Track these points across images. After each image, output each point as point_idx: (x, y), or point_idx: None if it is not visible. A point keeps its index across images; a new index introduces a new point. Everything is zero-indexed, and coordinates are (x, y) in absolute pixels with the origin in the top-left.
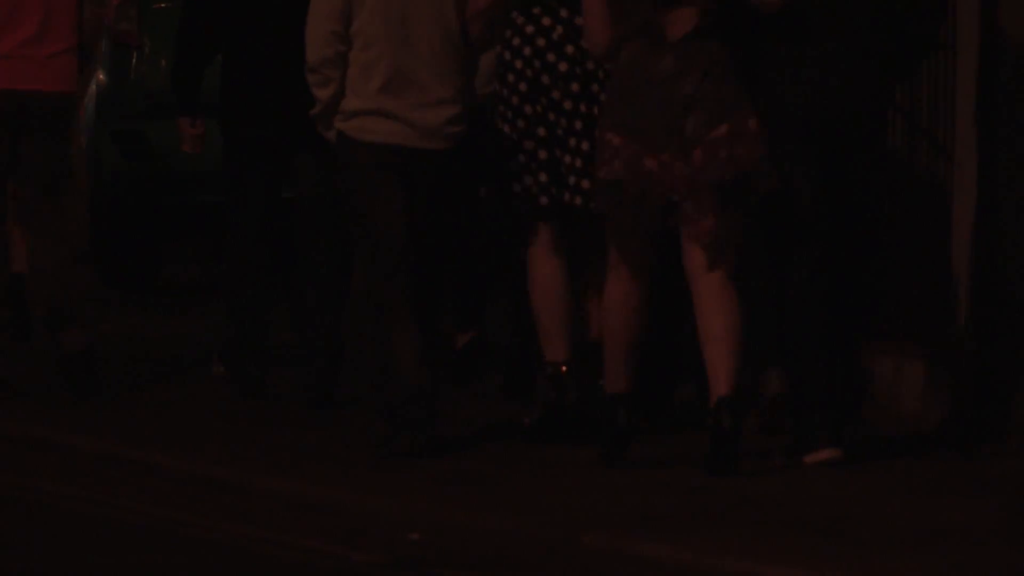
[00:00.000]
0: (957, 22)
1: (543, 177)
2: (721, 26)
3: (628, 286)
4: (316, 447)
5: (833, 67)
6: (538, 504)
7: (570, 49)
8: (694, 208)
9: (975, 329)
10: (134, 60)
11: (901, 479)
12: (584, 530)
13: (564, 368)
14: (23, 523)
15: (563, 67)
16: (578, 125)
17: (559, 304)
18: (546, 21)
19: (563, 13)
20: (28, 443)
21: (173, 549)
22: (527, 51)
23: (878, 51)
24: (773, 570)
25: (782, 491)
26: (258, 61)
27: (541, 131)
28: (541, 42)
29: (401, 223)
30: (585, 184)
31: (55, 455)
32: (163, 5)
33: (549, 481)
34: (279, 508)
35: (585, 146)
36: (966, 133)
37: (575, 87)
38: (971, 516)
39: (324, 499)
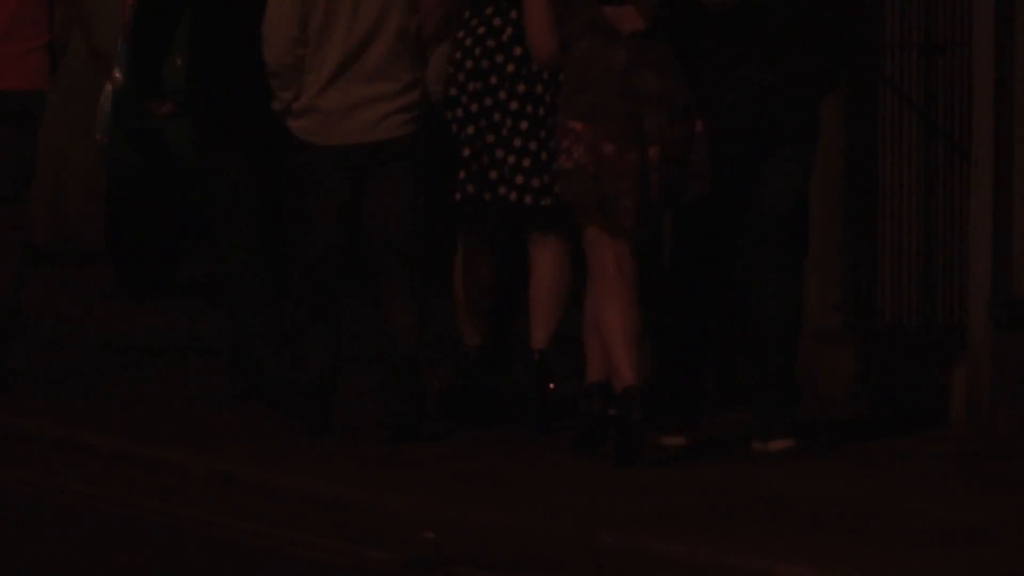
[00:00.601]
0: (973, 20)
1: (494, 174)
2: (668, 24)
3: (616, 282)
4: (331, 445)
5: (763, 76)
6: (554, 503)
7: (518, 51)
8: (631, 202)
9: (994, 326)
10: None
11: (917, 478)
12: (600, 529)
13: (477, 351)
14: (41, 521)
15: (511, 68)
16: (524, 125)
17: (482, 294)
18: (497, 22)
19: (513, 15)
20: (46, 442)
21: (188, 547)
22: (477, 51)
23: (809, 58)
24: (789, 568)
25: (798, 489)
26: (224, 56)
27: (472, 129)
28: (491, 43)
29: (332, 230)
30: (534, 182)
31: (73, 454)
32: None
33: (565, 480)
34: (294, 506)
35: (532, 146)
36: (982, 131)
37: (522, 88)
38: (988, 515)
39: (339, 497)
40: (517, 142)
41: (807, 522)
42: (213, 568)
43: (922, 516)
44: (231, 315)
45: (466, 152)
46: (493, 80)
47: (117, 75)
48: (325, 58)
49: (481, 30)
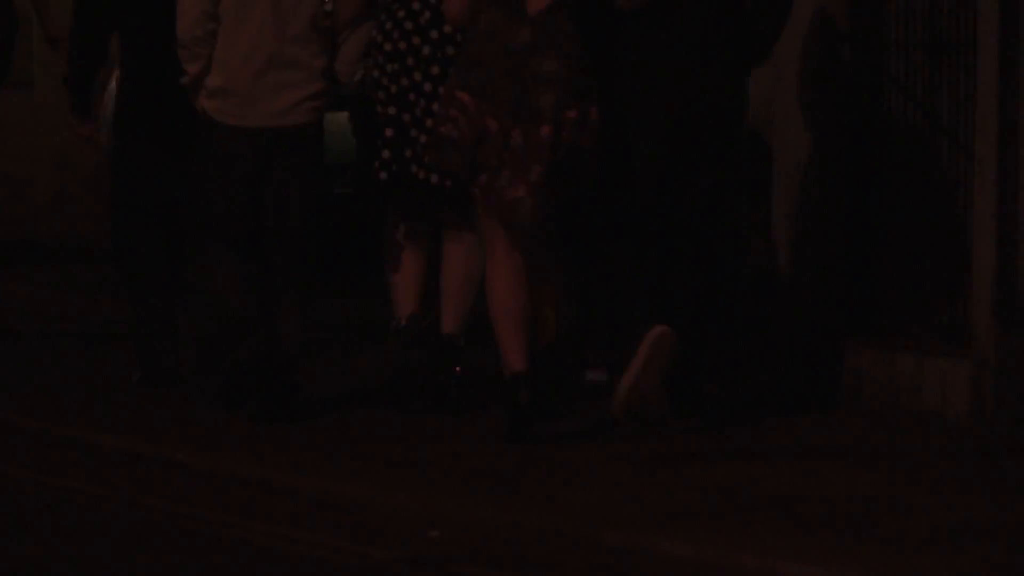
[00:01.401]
0: (978, 19)
1: (385, 154)
2: (576, 6)
3: (504, 265)
4: (336, 444)
5: (679, 63)
6: (559, 502)
7: (434, 34)
8: (509, 179)
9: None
10: None
11: (920, 476)
12: (605, 528)
13: (404, 321)
14: (46, 521)
15: (426, 51)
16: (435, 107)
17: (410, 272)
18: (415, 5)
19: None
20: (52, 441)
21: (195, 546)
22: (395, 33)
23: (723, 48)
24: (793, 567)
25: (803, 488)
26: (151, 62)
27: (393, 110)
28: (409, 25)
29: (241, 210)
30: None
31: (78, 453)
32: None
33: (571, 479)
34: (300, 505)
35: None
36: (987, 131)
37: (435, 70)
38: (992, 513)
39: (343, 496)
40: (430, 123)
41: (811, 521)
42: (218, 567)
43: (928, 514)
44: (133, 305)
45: (388, 132)
46: (409, 61)
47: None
48: (238, 41)
49: (400, 12)
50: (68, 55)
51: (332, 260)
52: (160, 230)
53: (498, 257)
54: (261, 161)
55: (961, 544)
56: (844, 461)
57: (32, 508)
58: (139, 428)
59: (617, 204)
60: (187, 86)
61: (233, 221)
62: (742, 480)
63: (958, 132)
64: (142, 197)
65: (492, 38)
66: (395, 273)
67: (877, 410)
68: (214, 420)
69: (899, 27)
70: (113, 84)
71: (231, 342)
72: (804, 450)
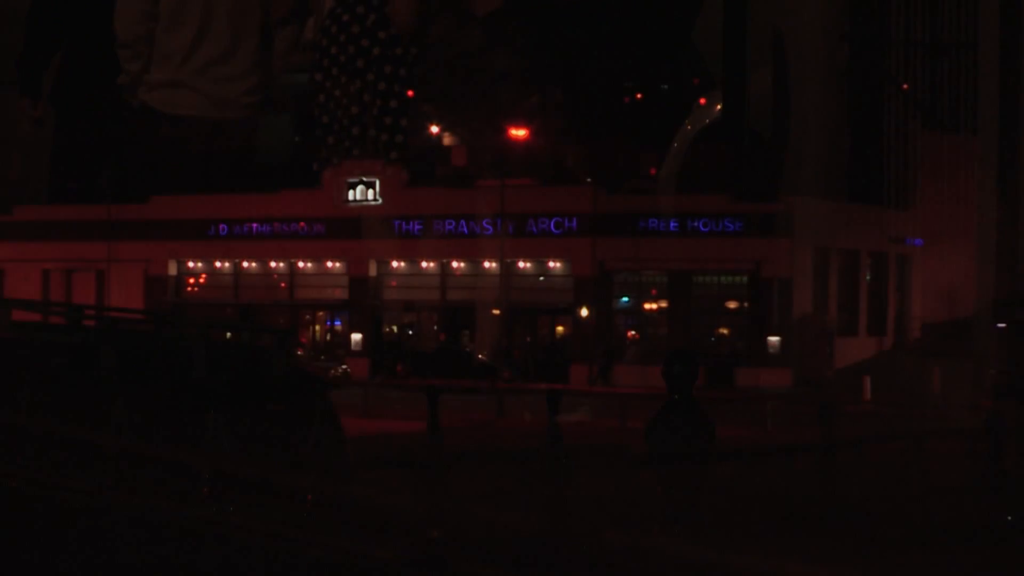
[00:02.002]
0: (979, 20)
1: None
2: (527, 3)
3: None
4: (335, 444)
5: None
6: (559, 502)
7: (382, 35)
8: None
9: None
10: None
11: (922, 475)
12: (608, 528)
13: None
14: (52, 521)
15: (376, 51)
16: (393, 104)
17: None
18: (360, 9)
19: (375, 1)
20: (55, 442)
21: (197, 545)
22: (342, 37)
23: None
24: (794, 567)
25: (804, 489)
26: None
27: (354, 110)
28: (355, 29)
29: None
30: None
31: (79, 453)
32: None
33: (571, 479)
34: (299, 505)
35: (403, 123)
36: (987, 131)
37: (388, 69)
38: (994, 513)
39: (343, 496)
40: (388, 120)
41: (814, 522)
42: (218, 567)
43: (925, 515)
44: None
45: (355, 131)
46: (360, 63)
47: None
48: (179, 36)
49: (345, 17)
50: (25, 35)
51: None
52: None
53: None
54: (201, 150)
55: (961, 544)
56: (844, 461)
57: (35, 509)
58: (140, 428)
59: None
60: (125, 84)
61: None
62: (742, 480)
63: (958, 131)
64: None
65: (448, 44)
66: None
67: (877, 409)
68: (214, 420)
69: (899, 26)
70: None
71: None
72: (804, 450)
